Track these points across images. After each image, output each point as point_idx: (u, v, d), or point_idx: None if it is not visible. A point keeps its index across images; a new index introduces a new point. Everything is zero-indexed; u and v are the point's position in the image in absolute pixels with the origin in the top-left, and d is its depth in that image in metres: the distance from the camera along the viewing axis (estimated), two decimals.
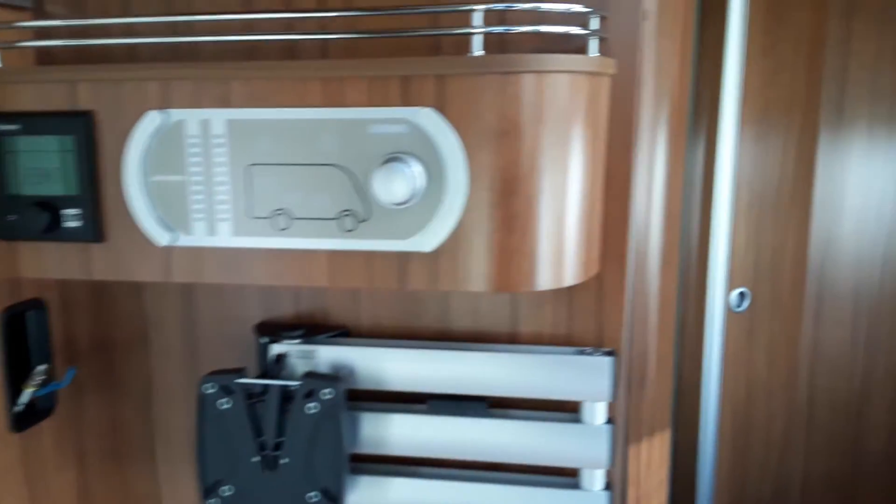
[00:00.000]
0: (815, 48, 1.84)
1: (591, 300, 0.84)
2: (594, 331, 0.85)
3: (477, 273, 0.72)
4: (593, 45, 0.75)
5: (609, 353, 0.82)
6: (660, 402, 1.62)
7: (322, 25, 0.82)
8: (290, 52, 0.85)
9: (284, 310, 0.90)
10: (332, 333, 0.87)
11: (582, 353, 0.82)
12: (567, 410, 0.86)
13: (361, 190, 0.71)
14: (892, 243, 1.93)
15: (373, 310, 0.88)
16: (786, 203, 1.90)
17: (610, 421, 0.84)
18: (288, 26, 0.83)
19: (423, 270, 0.72)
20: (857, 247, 1.94)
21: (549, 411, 0.86)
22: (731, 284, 1.91)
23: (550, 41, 0.79)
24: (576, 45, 0.76)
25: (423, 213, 0.71)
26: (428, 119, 0.69)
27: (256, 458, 0.81)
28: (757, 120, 1.82)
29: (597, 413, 0.83)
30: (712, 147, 1.84)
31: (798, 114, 1.86)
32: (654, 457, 1.62)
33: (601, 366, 0.81)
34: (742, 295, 1.92)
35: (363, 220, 0.72)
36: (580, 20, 0.74)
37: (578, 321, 0.85)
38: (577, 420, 0.84)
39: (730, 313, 1.92)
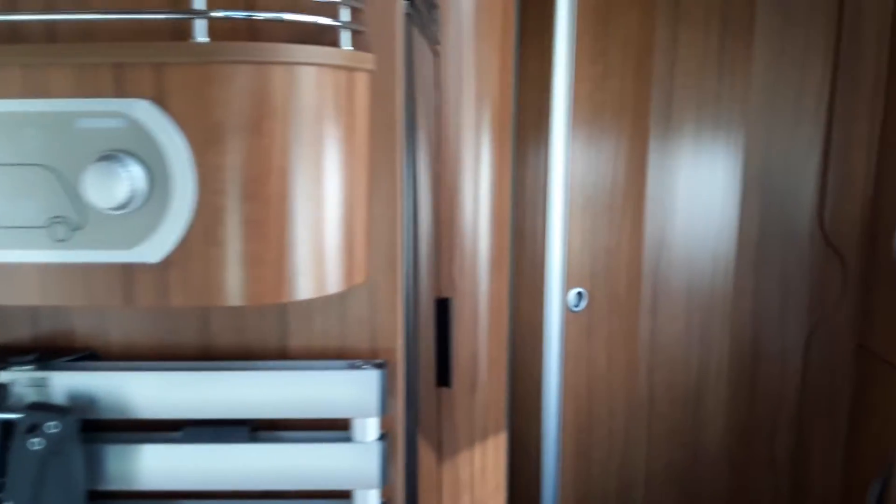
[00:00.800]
0: (642, 54, 1.90)
1: (364, 309, 0.79)
2: (368, 341, 0.80)
3: (216, 285, 0.65)
4: (345, 38, 0.69)
5: (379, 366, 0.77)
6: (493, 405, 1.60)
7: (48, 4, 0.72)
8: (13, 34, 0.74)
9: (20, 332, 0.79)
10: (73, 357, 0.77)
11: (352, 366, 0.77)
12: (342, 428, 0.80)
13: (73, 193, 0.62)
14: (720, 242, 2.02)
15: (124, 328, 0.79)
16: (619, 205, 1.95)
17: (384, 436, 0.79)
18: (10, 4, 0.73)
19: (150, 284, 0.64)
20: (687, 245, 2.02)
21: (325, 430, 0.80)
22: (568, 284, 1.93)
23: (309, 33, 0.73)
24: (335, 39, 0.71)
25: (147, 220, 0.63)
26: (146, 113, 0.61)
27: None
28: (588, 123, 1.86)
29: (368, 429, 0.77)
30: (545, 151, 1.86)
31: (628, 118, 1.91)
32: (488, 462, 1.61)
33: (369, 379, 0.75)
34: (580, 294, 1.95)
35: (78, 229, 0.63)
36: (331, 11, 0.69)
37: (351, 332, 0.79)
38: (349, 438, 0.78)
39: (568, 313, 1.95)
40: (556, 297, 1.91)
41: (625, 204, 1.95)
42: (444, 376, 1.41)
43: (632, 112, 1.91)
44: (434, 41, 1.24)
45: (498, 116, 1.45)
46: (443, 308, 1.37)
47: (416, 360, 1.20)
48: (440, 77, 1.30)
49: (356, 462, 0.77)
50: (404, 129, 0.79)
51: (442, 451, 1.47)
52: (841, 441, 2.10)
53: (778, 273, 2.04)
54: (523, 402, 2.04)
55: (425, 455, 1.32)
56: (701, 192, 1.99)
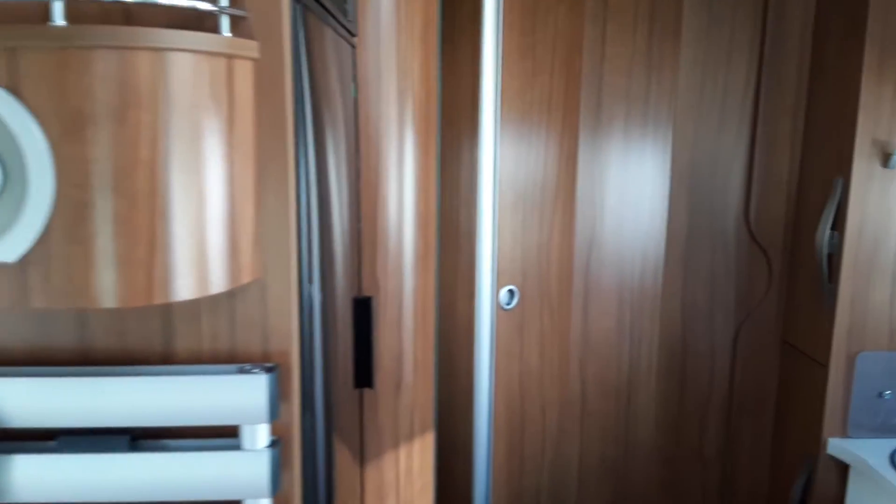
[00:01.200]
0: (571, 51, 1.90)
1: (255, 310, 0.76)
2: (260, 344, 0.76)
3: (81, 286, 0.61)
4: (225, 24, 0.66)
5: (270, 369, 0.73)
6: (420, 405, 1.58)
7: None
8: None
9: None
10: None
11: (241, 370, 0.74)
12: (233, 435, 0.77)
13: None
14: (650, 239, 2.04)
15: None
16: (550, 202, 1.94)
17: (276, 443, 0.76)
18: None
19: (7, 285, 0.60)
20: (618, 242, 2.03)
21: (213, 438, 0.77)
22: (500, 282, 1.92)
23: (190, 20, 0.69)
24: (217, 25, 0.67)
25: (2, 216, 0.58)
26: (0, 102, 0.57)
27: None
28: (517, 120, 1.85)
29: (257, 436, 0.74)
30: (475, 148, 1.84)
31: (558, 115, 1.91)
32: (415, 462, 1.58)
33: (257, 384, 0.72)
34: (511, 292, 1.94)
35: None
36: None
37: (242, 334, 0.76)
38: (238, 446, 0.75)
39: (500, 311, 1.94)
40: (487, 295, 1.90)
41: (555, 201, 1.95)
42: (365, 377, 1.38)
43: (561, 109, 1.91)
44: (350, 32, 1.21)
45: (422, 111, 1.42)
46: (362, 307, 1.34)
47: (331, 360, 1.17)
48: (358, 70, 1.27)
49: (244, 471, 0.74)
50: (299, 120, 0.76)
51: (365, 454, 1.44)
52: (768, 435, 2.14)
53: (706, 270, 2.07)
54: (457, 400, 2.03)
55: (344, 458, 1.29)
56: (630, 190, 2.01)
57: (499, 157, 1.84)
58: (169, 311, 0.75)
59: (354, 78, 1.26)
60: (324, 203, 1.07)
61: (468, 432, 2.00)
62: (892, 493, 1.58)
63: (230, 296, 0.74)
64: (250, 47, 0.68)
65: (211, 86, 0.63)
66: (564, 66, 1.89)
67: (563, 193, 1.96)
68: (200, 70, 0.62)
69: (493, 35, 1.75)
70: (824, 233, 1.79)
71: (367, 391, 1.42)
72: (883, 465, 1.67)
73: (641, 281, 2.06)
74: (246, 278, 0.71)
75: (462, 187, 1.93)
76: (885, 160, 1.71)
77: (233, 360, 0.76)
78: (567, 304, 2.04)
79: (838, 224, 1.77)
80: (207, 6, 0.64)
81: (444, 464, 2.08)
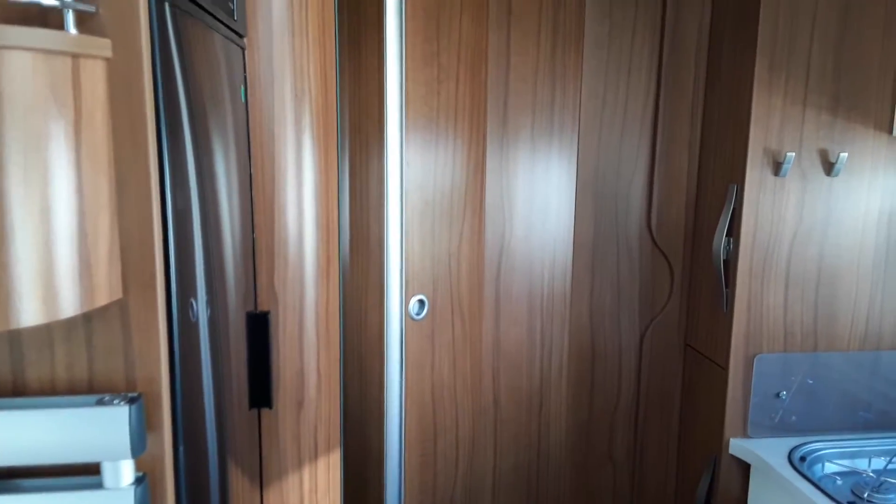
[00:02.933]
0: (476, 59, 1.89)
1: (116, 334, 0.69)
2: (123, 371, 0.69)
3: None
4: (70, 20, 0.59)
5: (132, 400, 0.67)
6: (325, 422, 1.52)
7: None
8: None
9: None
10: None
11: (101, 402, 0.67)
12: (96, 473, 0.69)
13: None
14: (557, 246, 2.05)
15: None
16: (459, 210, 1.92)
17: (142, 479, 0.69)
18: None
19: None
20: (527, 250, 2.03)
21: (77, 476, 0.69)
22: (409, 292, 1.88)
23: (33, 16, 0.62)
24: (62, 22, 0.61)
25: None
26: None
27: None
28: (424, 127, 1.82)
29: (120, 473, 0.67)
30: (379, 155, 1.80)
31: (464, 123, 1.89)
32: (320, 482, 1.52)
33: (116, 416, 0.65)
34: (421, 302, 1.91)
35: None
36: None
37: (101, 361, 0.69)
38: (100, 484, 0.68)
39: (410, 321, 1.90)
40: (396, 305, 1.85)
41: (464, 209, 1.93)
42: (262, 396, 1.31)
43: (468, 117, 1.90)
44: (237, 34, 1.15)
45: (321, 117, 1.37)
46: (258, 323, 1.27)
47: (222, 382, 1.10)
48: (248, 72, 1.20)
49: None
50: (175, 125, 0.70)
51: (264, 477, 1.37)
52: (674, 436, 2.19)
53: (613, 276, 2.10)
54: (370, 413, 1.98)
55: (240, 484, 1.22)
56: (538, 197, 2.01)
57: (405, 165, 1.80)
58: (18, 339, 0.67)
59: (245, 80, 1.20)
60: (208, 213, 1.00)
61: (382, 446, 1.95)
62: (791, 491, 1.64)
63: (86, 319, 0.67)
64: (101, 45, 0.62)
65: (53, 87, 0.57)
66: (470, 73, 1.88)
67: (471, 201, 1.94)
68: (39, 70, 0.56)
69: (397, 41, 1.71)
70: (720, 239, 1.84)
71: (265, 411, 1.35)
72: (781, 464, 1.73)
73: (551, 288, 2.07)
74: (102, 300, 0.64)
75: (372, 196, 1.88)
76: (776, 169, 1.77)
77: (92, 390, 0.69)
78: (478, 312, 2.02)
79: (733, 230, 1.83)
80: (49, 0, 0.58)
81: (359, 477, 2.02)
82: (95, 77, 0.62)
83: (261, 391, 1.28)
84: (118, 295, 0.67)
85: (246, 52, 1.20)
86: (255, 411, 1.31)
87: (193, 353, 0.87)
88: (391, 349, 1.88)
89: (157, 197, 0.67)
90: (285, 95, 1.28)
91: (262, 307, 1.30)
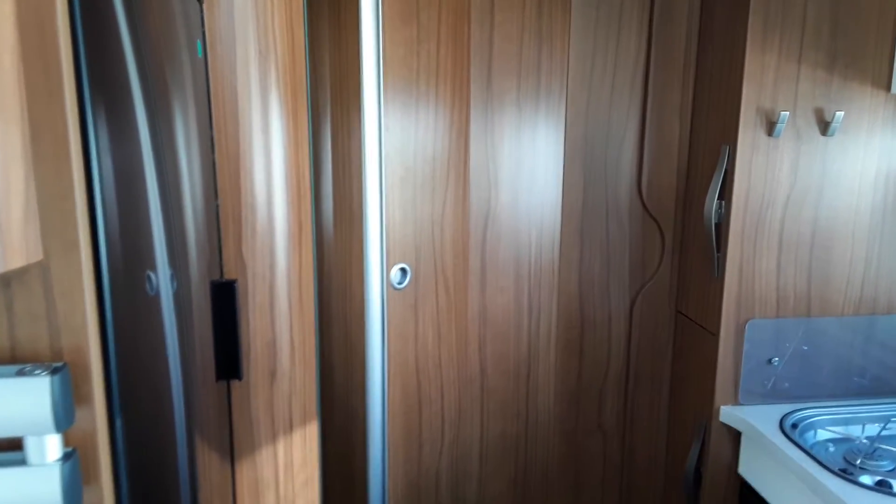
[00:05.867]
0: (458, 18, 1.81)
1: (38, 300, 0.64)
2: (47, 339, 0.65)
3: None
4: None
5: (56, 370, 0.62)
6: (300, 393, 1.48)
7: None
8: None
9: None
10: None
11: (21, 372, 0.62)
12: (20, 448, 0.65)
13: None
14: (545, 212, 1.99)
15: None
16: (442, 176, 1.87)
17: (71, 454, 0.64)
18: None
19: None
20: (513, 216, 1.98)
21: (4, 451, 0.65)
22: (391, 260, 1.83)
23: None
24: None
25: None
26: None
27: None
28: (403, 90, 1.75)
29: (45, 449, 0.63)
30: (359, 120, 1.74)
31: (446, 86, 1.82)
32: (296, 455, 1.48)
33: (38, 387, 0.61)
34: (404, 270, 1.86)
35: None
36: None
37: (23, 329, 0.64)
38: (24, 461, 0.63)
39: (393, 290, 1.85)
40: (377, 274, 1.81)
41: (448, 175, 1.87)
42: (230, 368, 1.27)
43: (450, 79, 1.83)
44: None
45: (288, 76, 1.31)
46: (224, 292, 1.22)
47: (187, 355, 1.06)
48: (206, 27, 1.14)
49: (31, 489, 0.62)
50: (124, 78, 0.64)
51: (235, 451, 1.34)
52: (664, 404, 2.16)
53: (602, 242, 2.04)
54: (354, 384, 1.94)
55: (209, 456, 1.18)
56: (525, 163, 1.95)
57: (384, 129, 1.74)
58: None
59: (203, 34, 1.13)
60: (165, 175, 0.95)
61: (364, 418, 1.92)
62: (782, 458, 1.60)
63: (4, 284, 0.62)
64: None
65: None
66: (452, 33, 1.81)
67: (454, 167, 1.88)
68: None
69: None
70: (712, 202, 1.78)
71: (235, 383, 1.31)
72: (772, 431, 1.69)
73: (539, 255, 2.02)
74: (17, 261, 0.59)
75: (353, 163, 1.82)
76: (770, 129, 1.71)
77: (14, 359, 0.64)
78: (463, 281, 1.97)
79: (725, 193, 1.77)
80: None
81: (346, 447, 1.99)
82: (2, 14, 0.56)
83: (229, 363, 1.24)
84: (37, 256, 0.62)
85: (204, 3, 1.14)
86: (223, 383, 1.27)
87: (152, 327, 0.83)
88: (372, 319, 1.83)
89: (77, 150, 0.62)
90: (249, 52, 1.21)
91: (229, 276, 1.25)
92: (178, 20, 1.09)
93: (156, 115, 0.93)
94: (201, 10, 1.13)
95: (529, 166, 1.96)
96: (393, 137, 1.76)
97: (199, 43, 1.10)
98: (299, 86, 1.34)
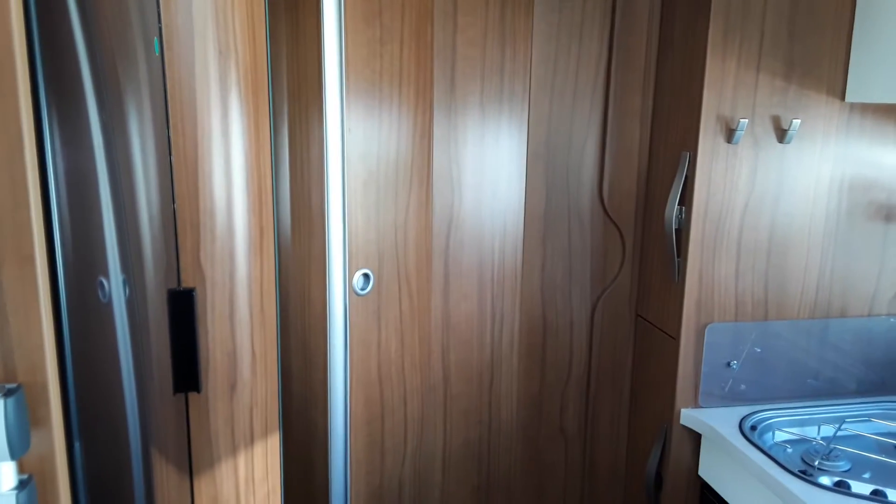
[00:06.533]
0: (421, 20, 1.79)
1: None
2: (0, 359, 0.59)
3: None
4: None
5: (9, 392, 0.57)
6: (261, 405, 1.43)
7: None
8: None
9: None
10: None
11: None
12: None
13: None
14: (508, 217, 1.98)
15: None
16: (405, 179, 1.84)
17: (26, 481, 0.59)
18: None
19: None
20: (477, 221, 1.96)
21: None
22: (353, 266, 1.79)
23: None
24: None
25: None
26: None
27: None
28: (366, 92, 1.72)
29: (1, 477, 0.58)
30: (320, 122, 1.70)
31: (409, 88, 1.80)
32: (257, 468, 1.43)
33: None
34: (366, 276, 1.82)
35: None
36: None
37: None
38: None
39: (355, 296, 1.81)
40: (339, 280, 1.77)
41: (411, 179, 1.85)
42: (188, 380, 1.21)
43: (414, 82, 1.80)
44: None
45: (249, 76, 1.26)
46: (182, 301, 1.17)
47: (142, 368, 1.00)
48: (163, 24, 1.09)
49: None
50: (75, 77, 0.59)
51: (194, 466, 1.28)
52: (625, 408, 2.17)
53: (564, 247, 2.04)
54: (315, 393, 1.89)
55: (166, 472, 1.12)
56: (488, 167, 1.94)
57: (347, 132, 1.70)
58: None
59: (160, 31, 1.08)
60: (118, 178, 0.90)
61: (327, 427, 1.87)
62: (742, 460, 1.62)
63: None
64: None
65: None
66: (415, 35, 1.78)
67: (418, 171, 1.86)
68: None
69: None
70: (672, 208, 1.80)
71: (193, 395, 1.25)
72: (732, 433, 1.71)
73: (502, 260, 2.01)
74: None
75: (313, 166, 1.78)
76: (729, 136, 1.73)
77: None
78: (426, 286, 1.95)
79: (685, 199, 1.79)
80: None
81: (305, 461, 1.94)
82: None
83: (187, 374, 1.18)
84: None
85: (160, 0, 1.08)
86: (181, 396, 1.21)
87: (105, 338, 0.78)
88: (334, 326, 1.79)
89: (32, 155, 0.57)
90: (208, 51, 1.16)
91: (187, 284, 1.20)
92: (134, 15, 1.04)
93: (109, 115, 0.88)
94: (158, 5, 1.07)
95: (492, 171, 1.94)
96: (356, 140, 1.73)
97: (156, 40, 1.05)
98: (260, 86, 1.29)
